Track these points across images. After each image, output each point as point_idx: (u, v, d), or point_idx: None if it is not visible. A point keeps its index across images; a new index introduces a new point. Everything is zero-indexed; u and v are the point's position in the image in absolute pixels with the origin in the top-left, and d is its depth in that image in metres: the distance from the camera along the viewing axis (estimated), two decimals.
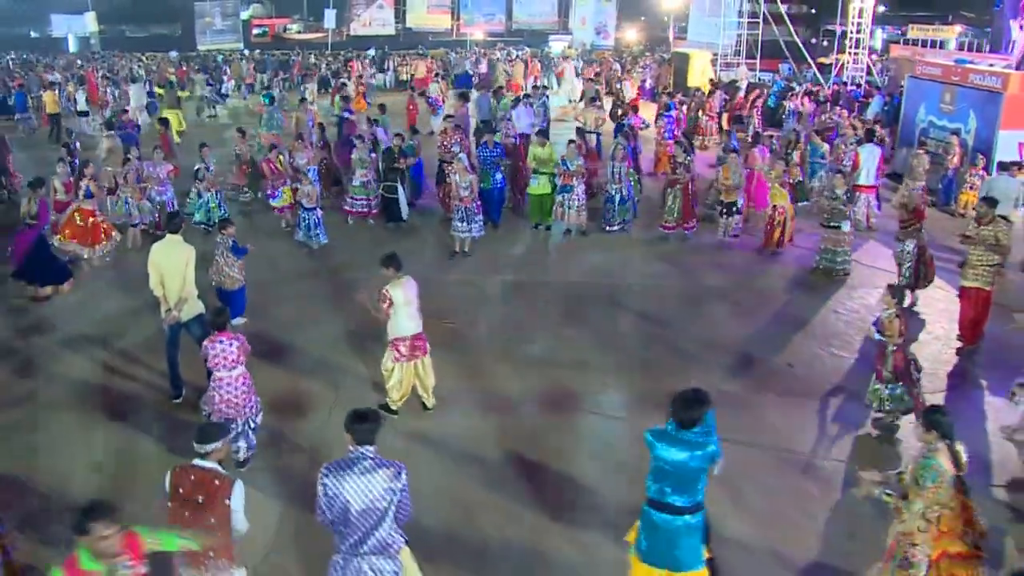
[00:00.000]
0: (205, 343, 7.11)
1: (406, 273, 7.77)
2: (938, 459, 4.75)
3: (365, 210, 14.56)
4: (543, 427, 7.96)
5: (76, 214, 12.21)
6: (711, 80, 26.65)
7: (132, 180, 13.49)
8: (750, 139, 16.35)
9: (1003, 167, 11.91)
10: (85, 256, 12.27)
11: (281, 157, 14.53)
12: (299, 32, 56.96)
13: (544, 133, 15.16)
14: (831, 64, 29.71)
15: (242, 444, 7.19)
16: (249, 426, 7.28)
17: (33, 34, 54.06)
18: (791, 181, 13.55)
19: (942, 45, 28.77)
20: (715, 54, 30.54)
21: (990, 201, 9.02)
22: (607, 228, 13.77)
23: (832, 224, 11.48)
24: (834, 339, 9.84)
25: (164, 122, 18.29)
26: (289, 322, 10.37)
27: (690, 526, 4.81)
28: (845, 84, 24.96)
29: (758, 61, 30.60)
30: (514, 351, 9.57)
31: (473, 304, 11.06)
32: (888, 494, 4.93)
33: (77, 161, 14.34)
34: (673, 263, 12.58)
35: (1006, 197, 11.42)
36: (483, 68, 35.88)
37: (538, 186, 13.87)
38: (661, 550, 4.87)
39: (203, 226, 13.57)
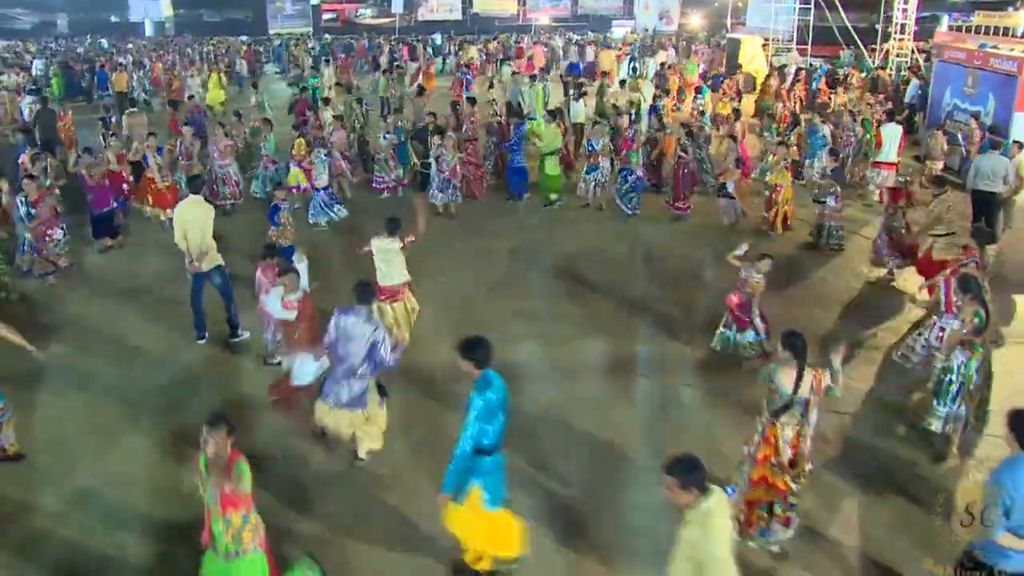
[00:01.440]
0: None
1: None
2: (776, 369, 5.54)
3: (393, 185, 15.55)
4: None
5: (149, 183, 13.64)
6: (771, 66, 27.01)
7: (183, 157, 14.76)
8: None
9: (994, 146, 12.17)
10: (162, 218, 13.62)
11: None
12: (370, 17, 58.11)
13: (551, 114, 15.91)
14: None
15: None
16: None
17: (113, 18, 56.68)
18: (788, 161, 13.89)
19: (1006, 32, 28.20)
20: (767, 39, 30.64)
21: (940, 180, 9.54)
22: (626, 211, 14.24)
23: (819, 199, 11.96)
24: (816, 306, 10.47)
25: (173, 104, 19.93)
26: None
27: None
28: (883, 69, 24.87)
29: (809, 47, 30.52)
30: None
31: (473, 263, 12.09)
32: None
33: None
34: (658, 238, 13.32)
35: (994, 175, 11.73)
36: (589, 57, 35.98)
37: (550, 166, 14.77)
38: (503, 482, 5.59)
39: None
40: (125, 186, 13.68)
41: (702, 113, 16.65)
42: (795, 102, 21.29)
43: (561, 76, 27.91)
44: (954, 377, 7.06)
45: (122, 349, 9.48)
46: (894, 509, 6.53)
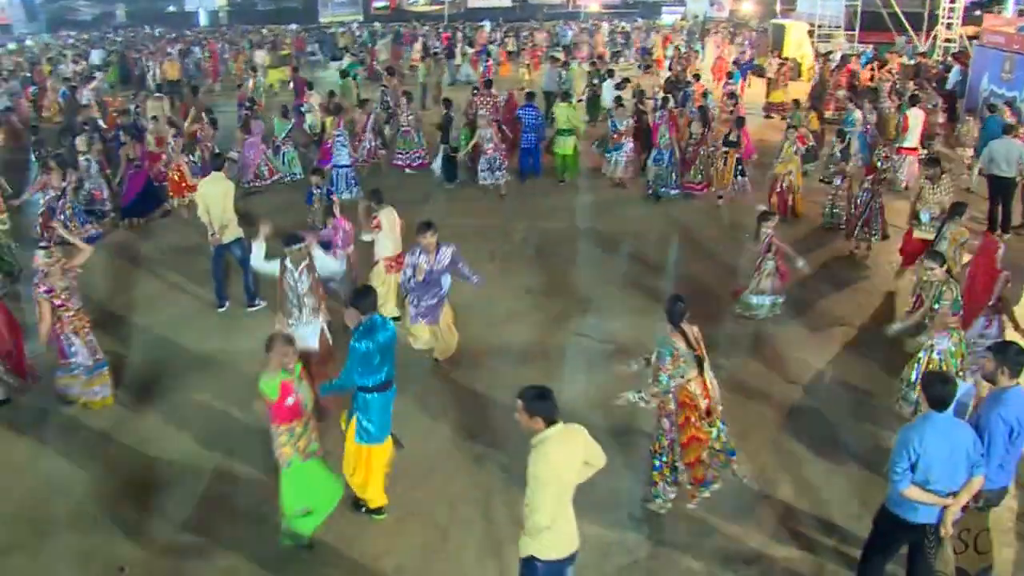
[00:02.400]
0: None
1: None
2: (671, 339, 5.87)
3: (417, 163, 16.19)
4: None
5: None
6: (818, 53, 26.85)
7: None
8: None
9: (1007, 131, 12.07)
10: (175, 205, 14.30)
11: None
12: (421, 4, 58.65)
13: (567, 95, 16.51)
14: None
15: None
16: None
17: (171, 8, 58.23)
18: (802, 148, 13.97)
19: None
20: (814, 25, 30.36)
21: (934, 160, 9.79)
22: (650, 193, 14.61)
23: (824, 180, 12.15)
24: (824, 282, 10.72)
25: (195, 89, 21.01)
26: None
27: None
28: (924, 55, 24.49)
29: (857, 32, 30.11)
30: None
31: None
32: (641, 398, 6.04)
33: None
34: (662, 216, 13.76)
35: (1009, 160, 11.69)
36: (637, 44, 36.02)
37: (563, 146, 15.32)
38: (386, 423, 6.14)
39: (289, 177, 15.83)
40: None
41: (732, 95, 16.77)
42: (834, 88, 21.18)
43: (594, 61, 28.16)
44: (932, 356, 7.22)
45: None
46: (851, 476, 6.79)
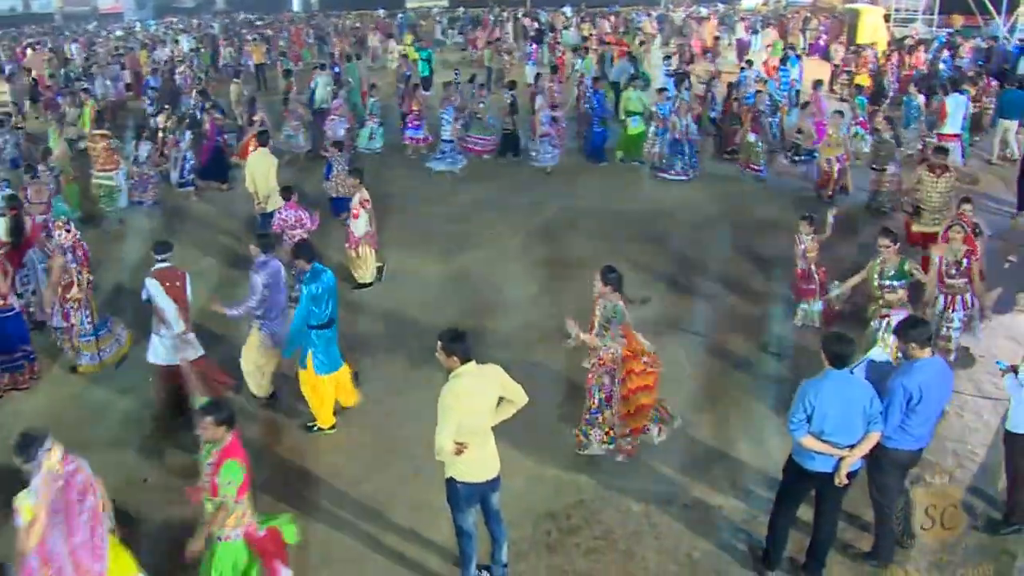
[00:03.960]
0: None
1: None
2: (620, 305, 6.55)
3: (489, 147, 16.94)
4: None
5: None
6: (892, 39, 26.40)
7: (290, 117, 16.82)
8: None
9: None
10: None
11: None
12: None
13: (633, 79, 17.10)
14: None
15: None
16: None
17: None
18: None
19: None
20: (888, 11, 29.71)
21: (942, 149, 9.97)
22: (658, 174, 15.34)
23: (876, 167, 12.77)
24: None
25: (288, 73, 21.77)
26: None
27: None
28: (995, 39, 23.80)
29: (935, 16, 29.35)
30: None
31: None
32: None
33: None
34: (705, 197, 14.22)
35: None
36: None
37: (633, 127, 15.96)
38: (334, 354, 7.29)
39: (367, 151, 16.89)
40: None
41: (764, 81, 17.25)
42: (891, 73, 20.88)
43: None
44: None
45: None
46: None
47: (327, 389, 7.36)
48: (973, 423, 7.44)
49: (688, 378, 8.31)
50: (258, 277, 7.42)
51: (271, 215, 11.02)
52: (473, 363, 5.11)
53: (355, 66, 20.42)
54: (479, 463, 5.24)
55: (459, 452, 5.05)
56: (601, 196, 14.30)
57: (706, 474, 6.85)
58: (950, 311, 8.02)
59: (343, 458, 7.17)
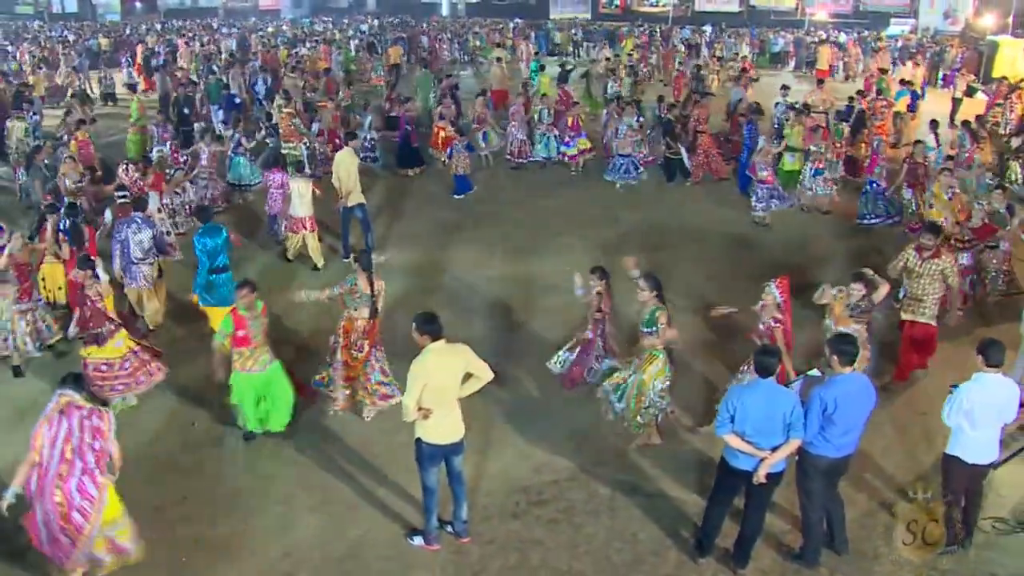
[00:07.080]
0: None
1: None
2: (357, 277, 7.93)
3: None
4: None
5: None
6: None
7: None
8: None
9: None
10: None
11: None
12: (648, 5, 59.34)
13: (799, 112, 16.55)
14: None
15: None
16: None
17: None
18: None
19: None
20: None
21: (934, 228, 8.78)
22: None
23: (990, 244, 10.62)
24: None
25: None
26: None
27: None
28: None
29: None
30: None
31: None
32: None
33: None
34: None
35: None
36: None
37: (790, 163, 15.48)
38: (223, 296, 9.10)
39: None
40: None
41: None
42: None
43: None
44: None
45: None
46: None
47: (217, 317, 8.71)
48: None
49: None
50: None
51: (352, 210, 12.33)
52: (442, 341, 5.99)
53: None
54: (443, 428, 6.12)
55: (425, 416, 5.96)
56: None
57: (680, 472, 7.43)
58: None
59: (364, 427, 8.19)
